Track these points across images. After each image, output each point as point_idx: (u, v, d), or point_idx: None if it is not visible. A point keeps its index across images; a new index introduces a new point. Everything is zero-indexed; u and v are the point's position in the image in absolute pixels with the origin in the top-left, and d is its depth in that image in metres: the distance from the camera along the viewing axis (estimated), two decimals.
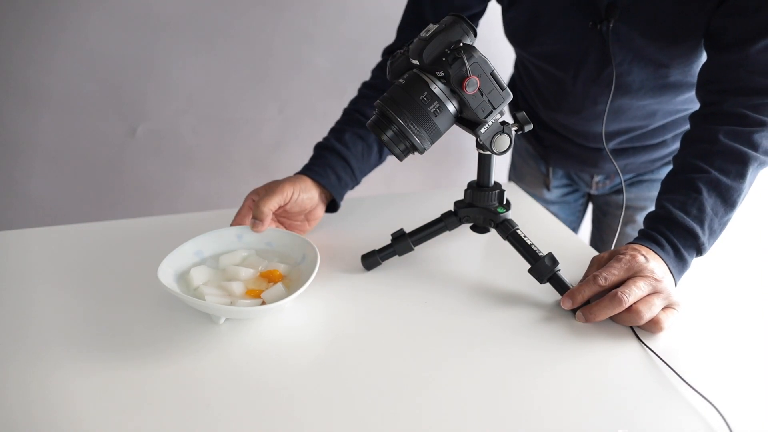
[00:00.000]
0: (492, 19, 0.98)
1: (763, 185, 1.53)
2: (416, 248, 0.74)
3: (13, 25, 1.17)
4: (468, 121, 0.64)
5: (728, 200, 0.69)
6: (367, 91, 0.88)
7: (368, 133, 0.82)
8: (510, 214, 0.70)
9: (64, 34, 1.20)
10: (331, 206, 0.82)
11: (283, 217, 0.79)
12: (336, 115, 0.87)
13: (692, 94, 0.87)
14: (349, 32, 1.34)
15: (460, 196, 0.74)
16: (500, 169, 1.39)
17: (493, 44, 1.15)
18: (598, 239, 1.20)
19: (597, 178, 1.09)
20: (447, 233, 0.75)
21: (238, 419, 0.50)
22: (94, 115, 1.30)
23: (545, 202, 1.16)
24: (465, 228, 0.78)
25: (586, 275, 0.68)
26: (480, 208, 0.70)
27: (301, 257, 0.68)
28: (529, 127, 0.64)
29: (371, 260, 0.73)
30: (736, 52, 0.70)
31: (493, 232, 0.72)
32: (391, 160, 0.96)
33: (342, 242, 0.80)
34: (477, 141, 0.64)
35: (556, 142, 1.05)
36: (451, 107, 0.61)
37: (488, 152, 0.66)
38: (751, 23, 0.69)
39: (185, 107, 1.34)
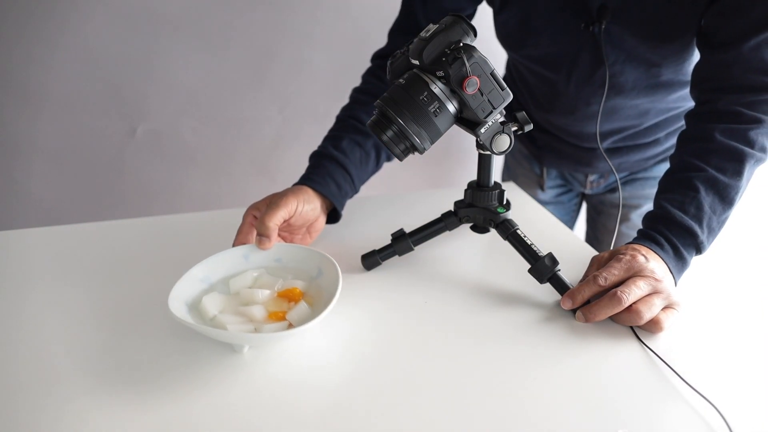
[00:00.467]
0: (486, 19, 0.98)
1: (762, 185, 1.54)
2: (416, 248, 0.74)
3: (14, 25, 1.17)
4: (468, 121, 0.64)
5: (726, 198, 0.69)
6: (360, 96, 0.87)
7: (365, 139, 0.81)
8: (510, 214, 0.70)
9: (64, 34, 1.20)
10: (332, 216, 0.80)
11: (285, 231, 0.75)
12: (336, 114, 0.87)
13: (684, 92, 0.88)
14: (349, 32, 1.34)
15: (460, 196, 0.74)
16: (494, 170, 1.39)
17: (485, 43, 1.15)
18: (593, 238, 1.21)
19: (591, 178, 1.09)
20: (447, 233, 0.75)
21: None
22: (94, 115, 1.30)
23: (539, 203, 1.16)
24: (465, 228, 0.78)
25: (586, 275, 0.68)
26: (480, 208, 0.70)
27: (317, 271, 0.65)
28: (529, 127, 0.64)
29: (371, 260, 0.73)
30: (728, 50, 0.70)
31: (493, 232, 0.72)
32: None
33: (342, 242, 0.80)
34: (477, 141, 0.64)
35: (550, 142, 1.05)
36: (451, 107, 0.61)
37: (488, 152, 0.66)
38: (743, 21, 0.69)
39: (185, 107, 1.34)
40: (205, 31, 1.27)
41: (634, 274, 0.63)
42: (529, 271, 0.67)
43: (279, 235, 0.75)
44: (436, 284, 0.71)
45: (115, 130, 1.33)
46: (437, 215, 0.73)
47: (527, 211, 0.92)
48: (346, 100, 0.89)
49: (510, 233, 0.68)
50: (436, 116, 0.60)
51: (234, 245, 0.70)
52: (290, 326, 0.57)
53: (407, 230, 0.73)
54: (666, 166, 1.02)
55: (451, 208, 0.73)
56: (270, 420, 0.50)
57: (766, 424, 0.51)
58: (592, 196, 1.16)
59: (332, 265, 0.63)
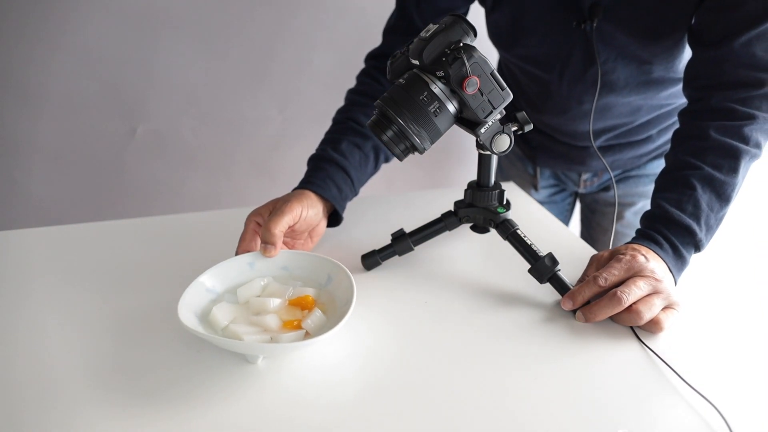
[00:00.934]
0: (480, 18, 0.98)
1: (761, 185, 1.54)
2: (416, 248, 0.74)
3: (13, 25, 1.17)
4: (468, 121, 0.64)
5: (723, 195, 0.69)
6: (355, 97, 0.86)
7: (364, 141, 0.81)
8: (510, 214, 0.70)
9: (64, 34, 1.20)
10: (332, 219, 0.79)
11: (287, 236, 0.73)
12: (332, 117, 0.87)
13: (676, 89, 0.89)
14: (349, 32, 1.34)
15: (460, 196, 0.74)
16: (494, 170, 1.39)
17: (484, 42, 1.15)
18: (587, 237, 1.21)
19: (585, 177, 1.09)
20: (447, 233, 0.75)
21: None
22: (94, 115, 1.30)
23: None
24: (465, 228, 0.78)
25: (585, 274, 0.68)
26: (480, 208, 0.70)
27: (326, 278, 0.65)
28: (529, 127, 0.64)
29: (371, 260, 0.73)
30: (720, 47, 0.71)
31: (492, 232, 0.72)
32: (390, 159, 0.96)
33: (342, 243, 0.80)
34: (477, 141, 0.64)
35: (543, 142, 1.05)
36: (451, 107, 0.61)
37: (488, 152, 0.66)
38: (734, 18, 0.69)
39: (185, 107, 1.34)
40: (205, 31, 1.27)
41: (634, 274, 0.63)
42: (529, 271, 0.67)
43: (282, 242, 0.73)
44: (436, 284, 0.71)
45: (115, 130, 1.33)
46: (437, 215, 0.73)
47: (527, 211, 0.92)
48: None
49: (510, 233, 0.68)
50: (436, 116, 0.60)
51: (237, 253, 0.68)
52: (307, 335, 0.57)
53: (407, 230, 0.73)
54: (659, 163, 1.04)
55: (451, 208, 0.73)
56: (287, 429, 0.49)
57: (766, 424, 0.51)
58: (586, 195, 1.16)
59: (343, 271, 0.63)
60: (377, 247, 0.73)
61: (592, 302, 0.63)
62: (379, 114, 0.62)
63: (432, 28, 0.60)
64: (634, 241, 0.69)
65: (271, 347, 0.55)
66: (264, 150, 1.45)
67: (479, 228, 0.73)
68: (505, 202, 0.71)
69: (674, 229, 0.68)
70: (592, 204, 1.15)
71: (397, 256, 0.74)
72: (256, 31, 1.30)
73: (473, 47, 0.58)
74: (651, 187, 1.05)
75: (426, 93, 0.59)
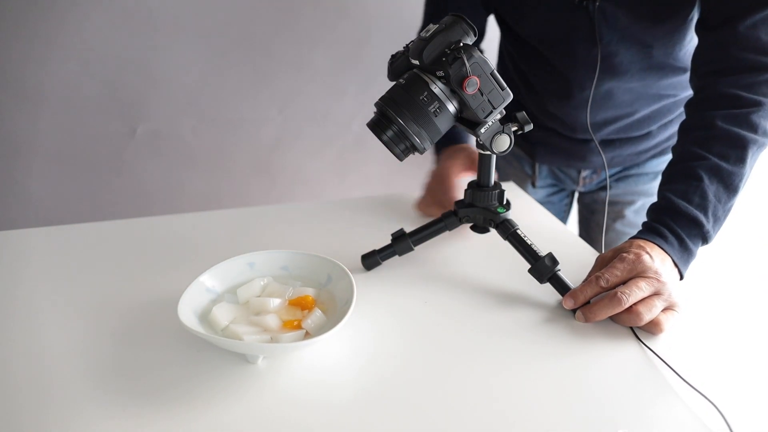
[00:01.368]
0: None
1: (761, 185, 1.54)
2: (416, 248, 0.74)
3: (13, 24, 1.17)
4: (468, 121, 0.64)
5: (730, 186, 0.68)
6: None
7: None
8: (510, 214, 0.70)
9: (64, 34, 1.20)
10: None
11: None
12: (336, 114, 0.87)
13: (675, 79, 0.89)
14: (349, 32, 1.34)
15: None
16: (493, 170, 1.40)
17: (489, 43, 1.15)
18: (586, 238, 1.20)
19: (584, 173, 1.09)
20: (447, 233, 0.75)
21: None
22: (94, 115, 1.30)
23: None
24: (464, 228, 0.78)
25: (590, 274, 0.68)
26: (480, 208, 0.70)
27: (326, 278, 0.65)
28: (529, 127, 0.64)
29: (371, 260, 0.73)
30: (725, 30, 0.70)
31: (492, 232, 0.72)
32: (390, 160, 0.96)
33: (342, 242, 0.80)
34: (477, 141, 0.64)
35: (544, 136, 1.05)
36: (451, 107, 0.61)
37: (489, 152, 0.66)
38: (738, 1, 0.69)
39: (185, 107, 1.34)
40: (205, 31, 1.27)
41: (636, 274, 0.62)
42: (530, 271, 0.67)
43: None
44: (436, 284, 0.71)
45: (115, 130, 1.33)
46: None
47: (526, 210, 0.92)
48: (345, 100, 0.89)
49: (510, 233, 0.68)
50: (436, 116, 0.60)
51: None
52: (307, 335, 0.57)
53: (407, 230, 0.73)
54: (659, 161, 1.04)
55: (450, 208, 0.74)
56: (287, 429, 0.49)
57: (766, 422, 0.51)
58: (585, 195, 1.16)
59: (343, 271, 0.63)
60: (376, 247, 0.73)
61: (593, 302, 0.63)
62: (379, 114, 0.62)
63: (432, 28, 0.60)
64: (639, 235, 0.68)
65: (271, 347, 0.55)
66: (264, 150, 1.45)
67: (479, 228, 0.73)
68: (505, 202, 0.71)
69: (681, 221, 0.67)
70: (591, 204, 1.15)
71: (397, 256, 0.74)
72: (256, 31, 1.30)
73: (473, 47, 0.58)
74: (651, 186, 1.06)
75: (426, 93, 0.59)
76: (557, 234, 0.85)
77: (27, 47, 1.20)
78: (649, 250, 0.64)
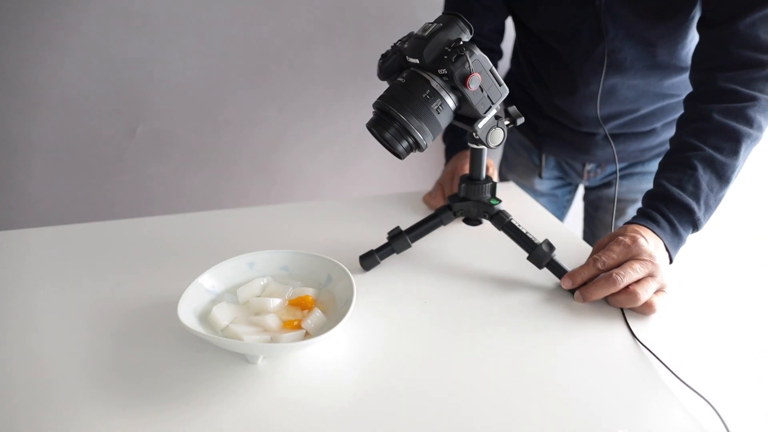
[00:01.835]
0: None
1: (758, 184, 1.54)
2: (413, 245, 0.75)
3: (13, 24, 1.17)
4: (463, 116, 0.66)
5: (723, 176, 0.71)
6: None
7: None
8: (503, 206, 0.73)
9: (63, 33, 1.20)
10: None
11: None
12: (336, 114, 0.87)
13: (678, 79, 0.91)
14: (349, 32, 1.34)
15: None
16: (492, 161, 1.41)
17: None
18: (590, 236, 1.21)
19: (588, 167, 1.11)
20: (441, 228, 0.76)
21: None
22: (94, 115, 1.30)
23: (534, 194, 1.19)
24: (457, 222, 0.79)
25: (589, 258, 0.70)
26: (474, 201, 0.72)
27: (326, 278, 0.65)
28: (520, 121, 0.67)
29: (370, 260, 0.73)
30: (725, 28, 0.73)
31: (485, 223, 0.74)
32: (390, 160, 0.96)
33: (342, 242, 0.80)
34: (472, 136, 0.66)
35: (551, 128, 1.08)
36: (452, 104, 0.62)
37: (481, 147, 0.68)
38: (737, 1, 0.71)
39: (185, 107, 1.34)
40: (205, 31, 1.27)
41: (632, 257, 0.66)
42: (528, 258, 0.70)
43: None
44: (435, 279, 0.72)
45: (115, 130, 1.33)
46: (427, 213, 0.74)
47: (526, 209, 0.93)
48: (345, 100, 0.89)
49: (505, 224, 0.71)
50: (438, 113, 0.61)
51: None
52: (307, 335, 0.57)
53: (402, 228, 0.74)
54: None
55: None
56: (287, 429, 0.49)
57: (760, 420, 0.52)
58: (590, 192, 1.17)
59: (343, 271, 0.63)
60: (371, 247, 0.74)
61: (589, 283, 0.66)
62: (381, 113, 0.62)
63: (430, 26, 0.61)
64: (634, 220, 0.71)
65: (271, 347, 0.55)
66: (264, 150, 1.45)
67: (472, 221, 0.75)
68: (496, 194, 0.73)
69: (673, 208, 0.70)
70: (595, 201, 1.16)
71: (395, 254, 0.74)
72: (256, 31, 1.30)
73: (473, 45, 0.59)
74: None
75: (428, 91, 0.60)
76: (556, 232, 0.85)
77: (27, 47, 1.20)
78: (643, 234, 0.68)
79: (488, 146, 0.66)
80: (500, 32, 1.04)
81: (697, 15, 0.80)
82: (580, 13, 0.86)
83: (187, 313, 0.57)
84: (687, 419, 0.51)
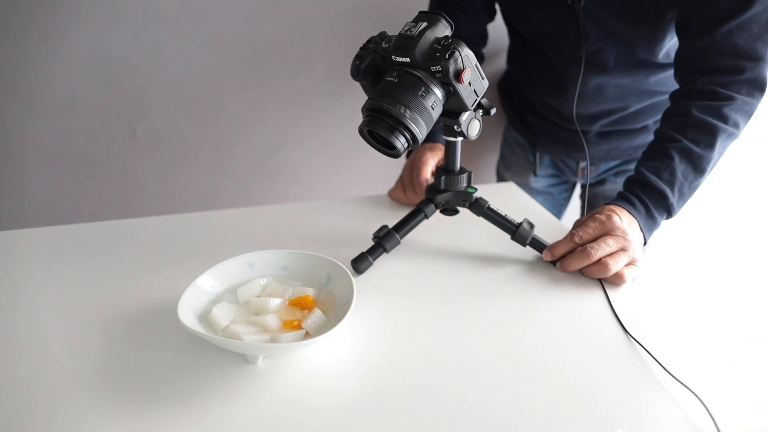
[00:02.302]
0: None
1: (740, 184, 1.54)
2: (401, 241, 0.76)
3: (13, 24, 1.17)
4: (446, 111, 0.67)
5: (698, 167, 0.76)
6: None
7: None
8: (479, 193, 0.76)
9: (64, 33, 1.20)
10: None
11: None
12: (336, 114, 0.87)
13: (663, 75, 0.95)
14: (349, 32, 1.34)
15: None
16: (490, 160, 1.45)
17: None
18: None
19: (582, 165, 1.14)
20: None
21: None
22: (94, 115, 1.30)
23: (530, 192, 1.21)
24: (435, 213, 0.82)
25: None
26: (455, 191, 0.76)
27: (326, 278, 0.65)
28: (493, 111, 0.70)
29: (365, 263, 0.73)
30: (703, 37, 0.77)
31: (461, 212, 0.79)
32: (388, 160, 0.96)
33: (341, 242, 0.80)
34: (452, 129, 0.68)
35: (544, 127, 1.11)
36: (443, 99, 0.64)
37: (457, 139, 0.71)
38: (715, 9, 0.75)
39: (185, 107, 1.34)
40: (205, 31, 1.27)
41: (606, 233, 0.72)
42: (513, 238, 0.75)
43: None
44: (431, 273, 0.74)
45: (115, 130, 1.33)
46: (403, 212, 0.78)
47: (524, 209, 0.93)
48: (345, 100, 0.90)
49: (485, 209, 0.76)
50: (433, 109, 0.63)
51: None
52: (307, 335, 0.57)
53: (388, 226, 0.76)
54: None
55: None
56: (287, 429, 0.49)
57: (748, 414, 0.52)
58: (587, 190, 1.18)
59: (343, 271, 0.63)
60: (358, 250, 0.74)
61: (567, 255, 0.73)
62: (375, 111, 0.62)
63: (415, 26, 0.62)
64: (612, 201, 0.78)
65: (271, 347, 0.55)
66: (264, 150, 1.45)
67: (450, 211, 0.79)
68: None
69: (649, 193, 0.75)
70: (591, 199, 1.19)
71: (385, 253, 0.75)
72: (256, 31, 1.30)
73: (461, 41, 0.61)
74: None
75: (423, 88, 0.62)
76: (555, 230, 0.85)
77: (27, 48, 1.20)
78: (619, 212, 0.73)
79: (469, 137, 0.69)
80: (481, 36, 1.07)
81: (674, 16, 0.83)
82: (561, 18, 0.89)
83: (187, 313, 0.57)
84: (678, 414, 0.51)
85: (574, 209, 1.32)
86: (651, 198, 0.76)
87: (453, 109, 0.66)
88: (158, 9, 1.22)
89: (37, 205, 1.37)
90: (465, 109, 0.65)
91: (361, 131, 0.64)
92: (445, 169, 0.76)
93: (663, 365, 0.56)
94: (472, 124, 0.68)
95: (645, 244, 0.75)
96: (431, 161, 0.92)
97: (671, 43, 0.87)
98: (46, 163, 1.33)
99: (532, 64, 1.05)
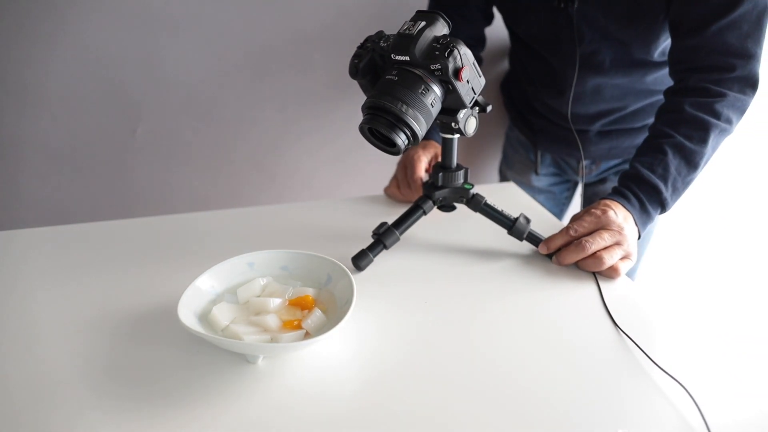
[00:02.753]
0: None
1: (733, 182, 1.54)
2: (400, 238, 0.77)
3: (13, 24, 1.17)
4: (444, 108, 0.68)
5: (691, 162, 0.78)
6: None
7: None
8: (476, 189, 0.77)
9: (63, 33, 1.20)
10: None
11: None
12: (336, 114, 0.88)
13: (660, 74, 0.96)
14: (349, 32, 1.34)
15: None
16: (493, 159, 1.45)
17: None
18: None
19: (583, 163, 1.14)
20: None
21: None
22: (94, 115, 1.30)
23: (532, 191, 1.21)
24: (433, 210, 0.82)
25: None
26: (452, 188, 0.77)
27: (326, 278, 0.65)
28: (489, 108, 0.70)
29: (365, 260, 0.73)
30: (695, 36, 0.78)
31: (458, 208, 0.80)
32: (390, 159, 0.96)
33: (341, 242, 0.80)
34: (449, 126, 0.69)
35: (545, 126, 1.11)
36: (442, 97, 0.64)
37: (455, 136, 0.72)
38: (705, 8, 0.76)
39: (185, 107, 1.34)
40: (205, 31, 1.27)
41: (602, 227, 0.73)
42: (510, 232, 0.76)
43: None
44: (431, 271, 0.74)
45: (115, 130, 1.33)
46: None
47: (524, 209, 0.93)
48: (345, 100, 0.90)
49: (482, 205, 0.76)
50: (432, 107, 0.63)
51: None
52: (307, 335, 0.57)
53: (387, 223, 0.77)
54: None
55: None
56: (287, 429, 0.49)
57: (735, 406, 0.53)
58: (586, 188, 1.20)
59: (342, 271, 0.63)
60: (356, 247, 0.75)
61: (563, 249, 0.74)
62: (375, 109, 0.62)
63: (414, 25, 0.62)
64: (607, 196, 0.79)
65: (271, 347, 0.55)
66: (264, 150, 1.45)
67: (447, 207, 0.80)
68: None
69: (643, 188, 0.77)
70: (593, 198, 1.19)
71: (385, 250, 0.76)
72: (256, 31, 1.30)
73: (459, 40, 0.61)
74: None
75: (423, 86, 0.62)
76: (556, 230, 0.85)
77: (27, 47, 1.20)
78: (614, 207, 0.74)
79: (466, 134, 0.69)
80: (479, 40, 1.08)
81: (668, 16, 0.84)
82: (556, 20, 0.90)
83: (187, 313, 0.57)
84: (659, 397, 0.51)
85: (576, 208, 1.32)
86: (645, 192, 0.77)
87: (451, 106, 0.67)
88: (158, 9, 1.22)
89: (36, 205, 1.37)
90: (463, 106, 0.66)
91: (361, 129, 0.64)
92: (442, 166, 0.77)
93: (650, 357, 0.58)
94: (469, 121, 0.69)
95: (639, 238, 0.76)
96: (424, 158, 0.94)
97: (667, 42, 0.88)
98: (45, 163, 1.33)
99: (531, 64, 1.06)
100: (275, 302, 0.60)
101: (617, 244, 0.72)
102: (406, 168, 0.93)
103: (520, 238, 0.77)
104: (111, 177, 1.38)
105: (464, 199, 0.78)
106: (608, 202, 0.76)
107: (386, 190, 0.97)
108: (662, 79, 0.96)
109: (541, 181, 1.22)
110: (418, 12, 0.64)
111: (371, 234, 0.75)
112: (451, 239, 0.81)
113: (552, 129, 1.11)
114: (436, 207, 0.79)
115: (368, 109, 0.63)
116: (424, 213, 0.78)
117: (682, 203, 0.83)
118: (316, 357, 0.58)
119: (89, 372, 0.55)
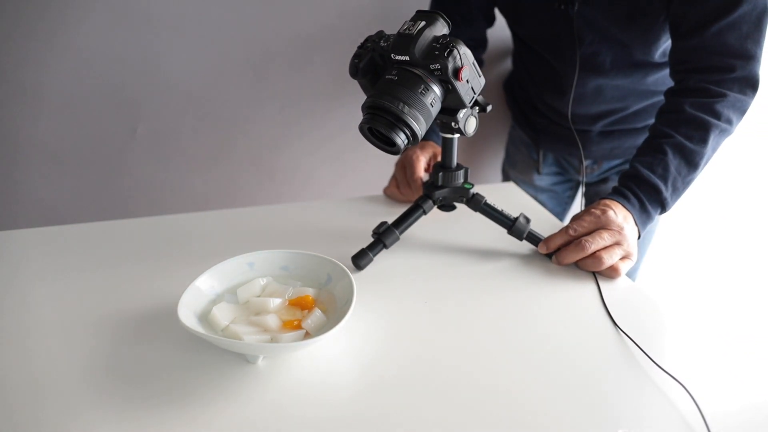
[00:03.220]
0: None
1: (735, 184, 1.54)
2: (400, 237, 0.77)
3: (12, 24, 1.17)
4: (444, 108, 0.68)
5: (691, 162, 0.78)
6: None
7: None
8: (476, 189, 0.77)
9: (63, 33, 1.20)
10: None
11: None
12: (336, 114, 0.88)
13: (660, 75, 0.96)
14: (349, 32, 1.34)
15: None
16: (496, 159, 1.45)
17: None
18: None
19: (585, 163, 1.15)
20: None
21: None
22: (94, 115, 1.30)
23: (534, 190, 1.21)
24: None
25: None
26: (452, 187, 0.77)
27: (326, 278, 0.65)
28: (489, 108, 0.70)
29: (365, 259, 0.73)
30: (694, 37, 0.78)
31: (457, 208, 0.80)
32: (388, 160, 0.96)
33: (340, 242, 0.80)
34: (449, 126, 0.69)
35: (547, 125, 1.12)
36: (441, 97, 0.64)
37: (455, 135, 0.72)
38: (704, 9, 0.76)
39: (185, 107, 1.34)
40: (205, 31, 1.27)
41: (602, 226, 0.73)
42: (510, 232, 0.77)
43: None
44: (431, 270, 0.74)
45: (115, 130, 1.33)
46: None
47: (525, 209, 0.93)
48: (345, 100, 0.90)
49: (482, 205, 0.77)
50: (432, 106, 0.63)
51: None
52: (307, 335, 0.57)
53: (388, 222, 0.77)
54: None
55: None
56: (287, 429, 0.49)
57: (733, 403, 0.53)
58: (589, 188, 1.20)
59: (342, 271, 0.63)
60: (356, 247, 0.75)
61: (562, 248, 0.74)
62: (375, 109, 0.62)
63: (414, 24, 0.62)
64: (607, 196, 0.79)
65: (271, 347, 0.55)
66: (264, 150, 1.45)
67: (447, 207, 0.80)
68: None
69: (643, 187, 0.76)
70: (594, 198, 1.20)
71: (384, 249, 0.76)
72: (256, 30, 1.30)
73: (459, 40, 0.61)
74: None
75: (422, 86, 0.62)
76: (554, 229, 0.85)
77: (27, 47, 1.20)
78: (614, 207, 0.74)
79: (466, 134, 0.69)
80: (480, 42, 1.09)
81: (667, 18, 0.84)
82: (557, 22, 0.90)
83: (187, 313, 0.57)
84: (658, 395, 0.51)
85: (578, 208, 1.31)
86: (645, 192, 0.77)
87: (451, 106, 0.67)
88: (158, 9, 1.22)
89: (37, 204, 1.37)
90: (462, 106, 0.66)
91: (361, 129, 0.64)
92: (442, 166, 0.77)
93: (650, 357, 0.58)
94: (468, 121, 0.69)
95: (639, 237, 0.76)
96: (423, 158, 0.94)
97: (668, 43, 0.88)
98: (45, 163, 1.33)
99: (533, 65, 1.06)
100: (275, 302, 0.60)
101: (617, 243, 0.72)
102: (405, 168, 0.94)
103: (520, 238, 0.77)
104: (111, 177, 1.38)
105: (464, 199, 0.78)
106: (608, 201, 0.76)
107: (386, 190, 0.97)
108: (663, 79, 0.96)
109: (543, 180, 1.22)
110: (418, 12, 0.64)
111: (371, 233, 0.75)
112: (451, 239, 0.81)
113: (554, 128, 1.11)
114: (436, 206, 0.79)
115: (368, 108, 0.63)
116: (424, 212, 0.78)
117: (683, 203, 0.83)
118: (316, 357, 0.58)
119: (89, 372, 0.55)
